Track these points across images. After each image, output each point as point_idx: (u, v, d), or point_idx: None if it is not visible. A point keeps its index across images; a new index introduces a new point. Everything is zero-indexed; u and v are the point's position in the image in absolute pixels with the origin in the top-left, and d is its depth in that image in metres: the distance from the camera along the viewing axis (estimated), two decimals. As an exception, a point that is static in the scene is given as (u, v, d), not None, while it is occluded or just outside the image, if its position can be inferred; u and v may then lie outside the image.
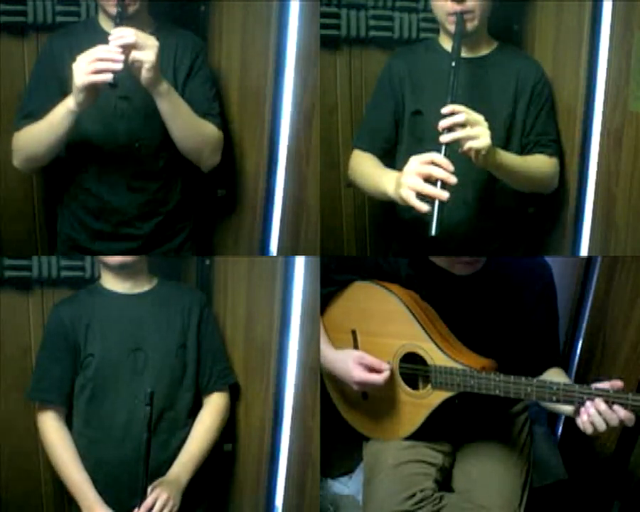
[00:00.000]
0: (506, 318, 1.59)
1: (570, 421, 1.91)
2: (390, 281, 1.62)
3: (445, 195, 1.42)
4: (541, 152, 1.73)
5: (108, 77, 1.48)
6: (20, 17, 1.82)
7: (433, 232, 1.42)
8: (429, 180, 1.44)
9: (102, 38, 1.54)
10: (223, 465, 1.84)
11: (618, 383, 1.36)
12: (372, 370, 1.58)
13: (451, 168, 1.44)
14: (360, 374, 1.57)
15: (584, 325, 2.04)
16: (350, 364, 1.59)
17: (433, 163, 1.44)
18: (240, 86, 1.88)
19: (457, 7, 1.64)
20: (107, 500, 1.60)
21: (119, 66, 1.49)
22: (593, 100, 1.73)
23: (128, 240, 1.76)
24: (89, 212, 1.76)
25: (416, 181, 1.45)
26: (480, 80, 1.74)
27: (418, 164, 1.46)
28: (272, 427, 1.80)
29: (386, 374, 1.57)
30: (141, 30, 1.55)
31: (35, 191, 1.92)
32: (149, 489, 1.53)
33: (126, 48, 1.50)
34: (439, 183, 1.43)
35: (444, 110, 1.48)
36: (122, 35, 1.50)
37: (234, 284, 1.82)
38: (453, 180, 1.43)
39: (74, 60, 1.51)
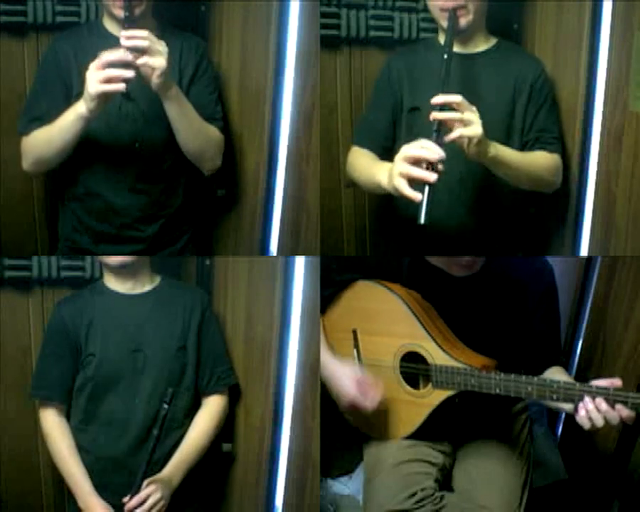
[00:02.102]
0: (507, 319, 1.59)
1: (570, 421, 1.92)
2: (391, 281, 1.62)
3: (433, 177, 1.41)
4: (541, 148, 1.71)
5: (121, 87, 1.47)
6: (20, 17, 1.81)
7: (422, 220, 1.40)
8: (419, 165, 1.43)
9: (107, 40, 1.53)
10: (223, 465, 1.83)
11: (617, 382, 1.36)
12: (367, 394, 1.58)
13: (441, 152, 1.42)
14: (356, 393, 1.56)
15: (584, 325, 2.04)
16: (351, 380, 1.58)
17: (422, 149, 1.44)
18: (240, 86, 1.88)
19: (449, 3, 1.65)
20: (102, 495, 1.62)
21: (132, 74, 1.48)
22: (593, 100, 1.73)
23: (131, 243, 1.75)
24: (92, 214, 1.75)
25: (405, 166, 1.44)
26: (476, 77, 1.73)
27: (407, 149, 1.46)
28: (271, 427, 1.79)
29: (376, 404, 1.56)
30: None
31: (35, 191, 1.92)
32: (144, 483, 1.55)
33: (138, 53, 1.49)
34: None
35: (435, 100, 1.47)
36: (135, 40, 1.48)
37: (234, 284, 1.82)
38: (440, 155, 1.42)
39: (79, 63, 1.51)
